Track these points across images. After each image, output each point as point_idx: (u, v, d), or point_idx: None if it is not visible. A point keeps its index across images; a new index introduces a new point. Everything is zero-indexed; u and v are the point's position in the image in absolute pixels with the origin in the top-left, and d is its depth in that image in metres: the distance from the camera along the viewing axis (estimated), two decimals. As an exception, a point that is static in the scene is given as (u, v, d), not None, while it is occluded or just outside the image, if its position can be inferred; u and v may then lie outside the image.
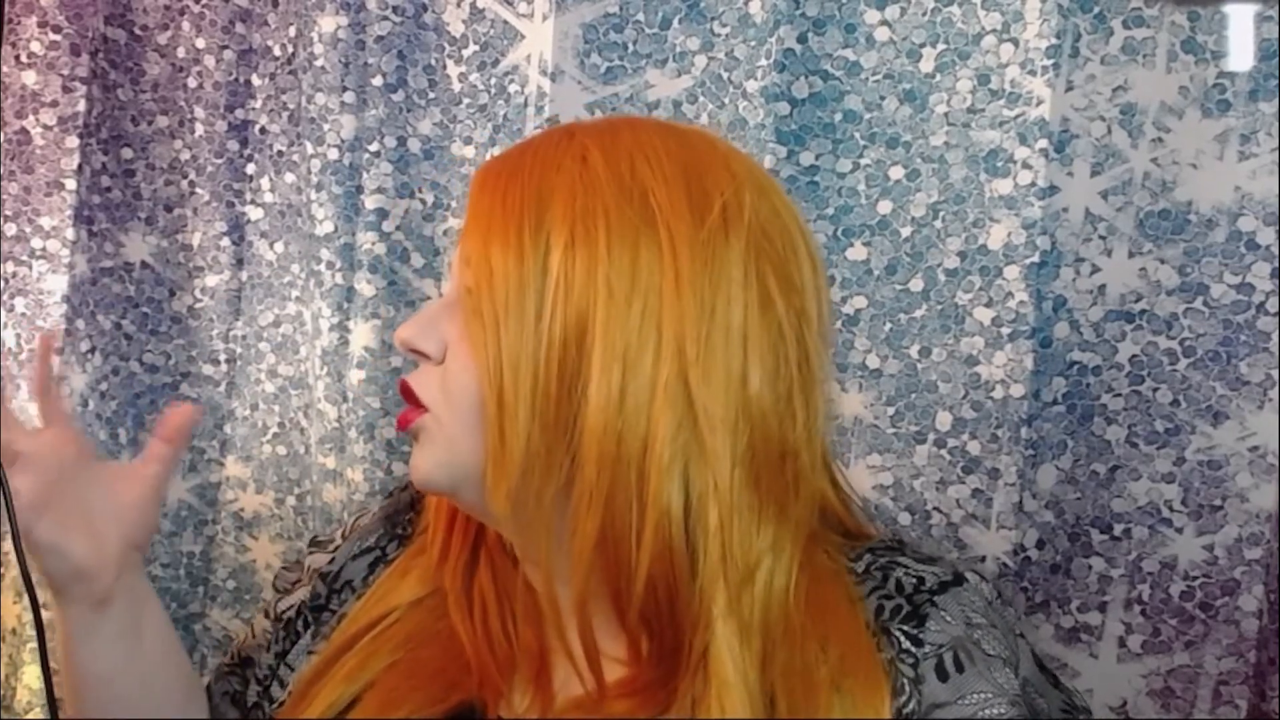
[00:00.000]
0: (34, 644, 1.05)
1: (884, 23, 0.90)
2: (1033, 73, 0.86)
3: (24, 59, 1.07)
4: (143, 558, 0.65)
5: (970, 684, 0.54)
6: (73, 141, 1.08)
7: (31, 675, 1.11)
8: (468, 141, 1.02)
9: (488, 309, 0.53)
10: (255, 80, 1.12)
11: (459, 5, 1.00)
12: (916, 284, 0.91)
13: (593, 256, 0.52)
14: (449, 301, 0.59)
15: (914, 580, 0.57)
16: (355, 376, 1.03)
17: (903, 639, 0.55)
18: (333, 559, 0.69)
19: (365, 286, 1.03)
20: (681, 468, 0.52)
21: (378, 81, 1.01)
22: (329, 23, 1.01)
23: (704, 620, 0.53)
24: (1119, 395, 0.89)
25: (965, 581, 0.58)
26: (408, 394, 0.59)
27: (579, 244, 0.52)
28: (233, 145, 1.13)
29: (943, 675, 0.54)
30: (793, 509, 0.55)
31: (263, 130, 1.12)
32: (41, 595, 0.57)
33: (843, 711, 0.52)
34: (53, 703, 0.57)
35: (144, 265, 1.15)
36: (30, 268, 1.09)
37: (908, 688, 0.54)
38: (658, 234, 0.53)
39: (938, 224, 0.90)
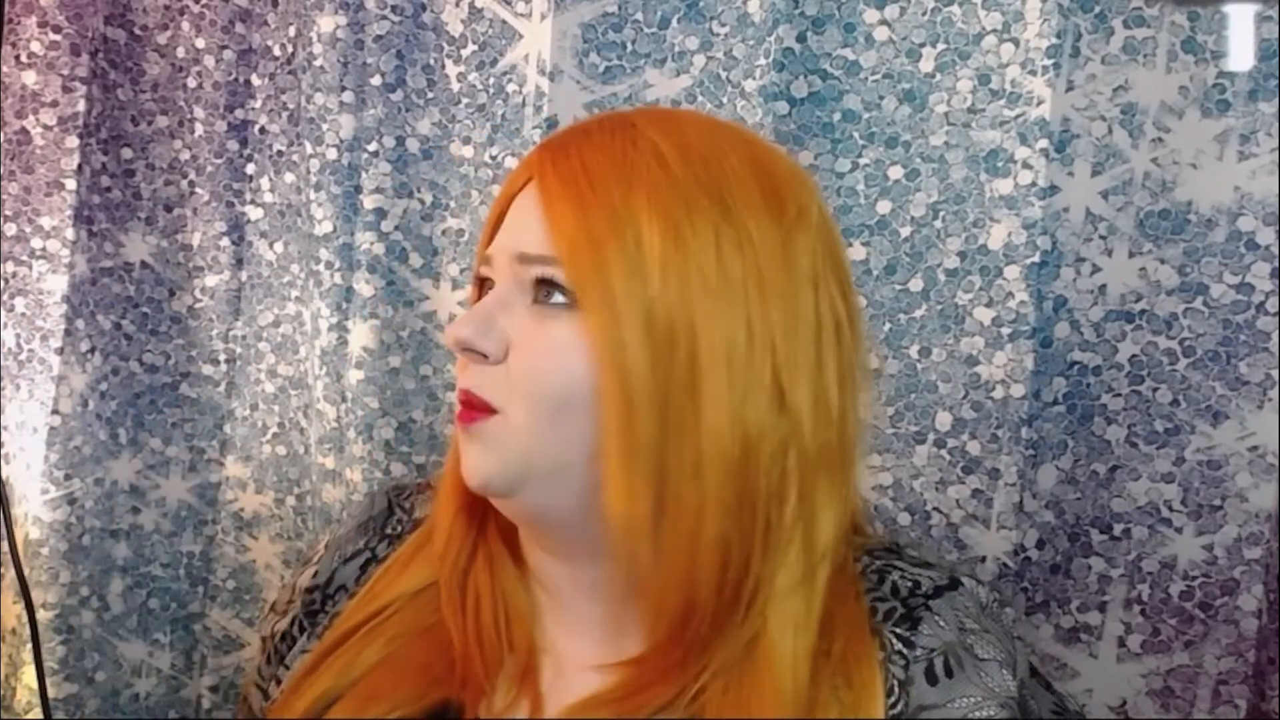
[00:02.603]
0: (32, 644, 1.05)
1: (883, 22, 0.90)
2: (1033, 72, 0.86)
3: (24, 59, 1.07)
4: None
5: (959, 688, 0.54)
6: (73, 141, 1.08)
7: (31, 675, 1.11)
8: (466, 141, 1.02)
9: (603, 296, 0.52)
10: (255, 80, 1.12)
11: (457, 5, 1.00)
12: (916, 284, 0.91)
13: (684, 250, 0.51)
14: (502, 298, 0.56)
15: (909, 584, 0.57)
16: (354, 376, 1.03)
17: (895, 641, 0.55)
18: (316, 572, 0.68)
19: (364, 286, 1.03)
20: (779, 467, 0.52)
21: (376, 81, 1.01)
22: (328, 22, 1.00)
23: (760, 609, 0.53)
24: (1119, 395, 0.89)
25: (960, 586, 0.58)
26: (471, 401, 0.56)
27: (671, 236, 0.51)
28: (232, 145, 1.13)
29: (932, 679, 0.54)
30: (846, 501, 0.56)
31: (262, 130, 1.12)
32: (39, 597, 0.56)
33: (838, 702, 0.53)
34: (46, 702, 0.57)
35: (144, 265, 1.15)
36: (30, 268, 1.09)
37: (896, 689, 0.54)
38: (737, 232, 0.52)
39: (938, 224, 0.90)
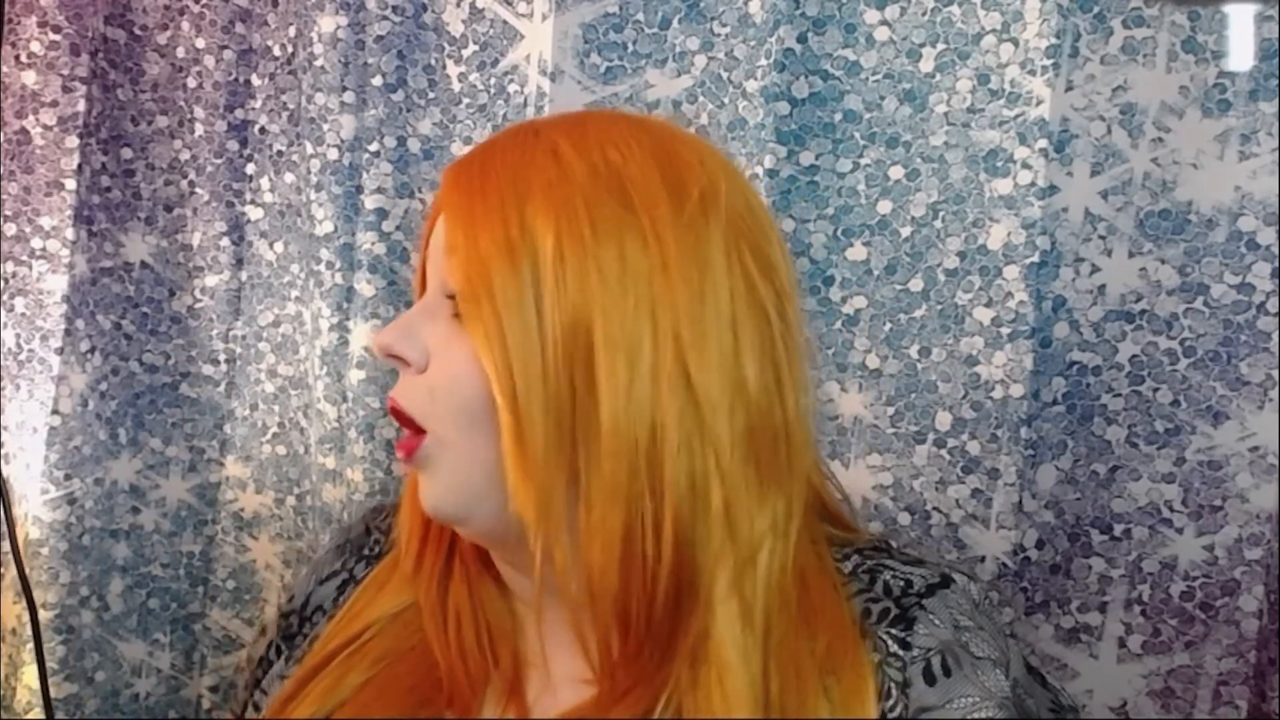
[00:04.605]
0: (34, 644, 1.05)
1: (884, 22, 0.90)
2: (1032, 72, 0.86)
3: (24, 59, 1.07)
4: None
5: (958, 688, 0.53)
6: (73, 141, 1.08)
7: (31, 675, 1.11)
8: (467, 141, 1.02)
9: (488, 309, 0.52)
10: (255, 80, 1.12)
11: (459, 5, 1.00)
12: (916, 284, 0.91)
13: (581, 248, 0.52)
14: (427, 307, 0.57)
15: (901, 583, 0.57)
16: (355, 376, 1.03)
17: (890, 642, 0.55)
18: (292, 597, 0.68)
19: (365, 286, 1.03)
20: (687, 454, 0.52)
21: (377, 81, 1.01)
22: (329, 23, 1.01)
23: (704, 603, 0.52)
24: (1119, 395, 0.89)
25: (953, 583, 0.57)
26: (400, 416, 0.57)
27: (566, 237, 0.52)
28: (233, 145, 1.13)
29: (930, 679, 0.54)
30: (788, 487, 0.55)
31: (263, 130, 1.12)
32: (39, 597, 0.56)
33: (829, 701, 0.52)
34: (48, 702, 0.57)
35: (144, 265, 1.15)
36: (30, 268, 1.09)
37: (894, 692, 0.53)
38: (640, 221, 0.52)
39: (938, 224, 0.90)
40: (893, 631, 0.55)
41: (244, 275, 1.15)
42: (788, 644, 0.53)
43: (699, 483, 0.52)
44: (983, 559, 0.90)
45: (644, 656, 0.54)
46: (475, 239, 0.53)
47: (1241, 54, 0.84)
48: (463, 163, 0.57)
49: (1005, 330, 0.88)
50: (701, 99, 0.94)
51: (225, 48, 1.12)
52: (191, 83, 1.13)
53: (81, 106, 1.08)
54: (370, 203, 1.02)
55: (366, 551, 0.68)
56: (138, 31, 1.12)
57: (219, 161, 1.13)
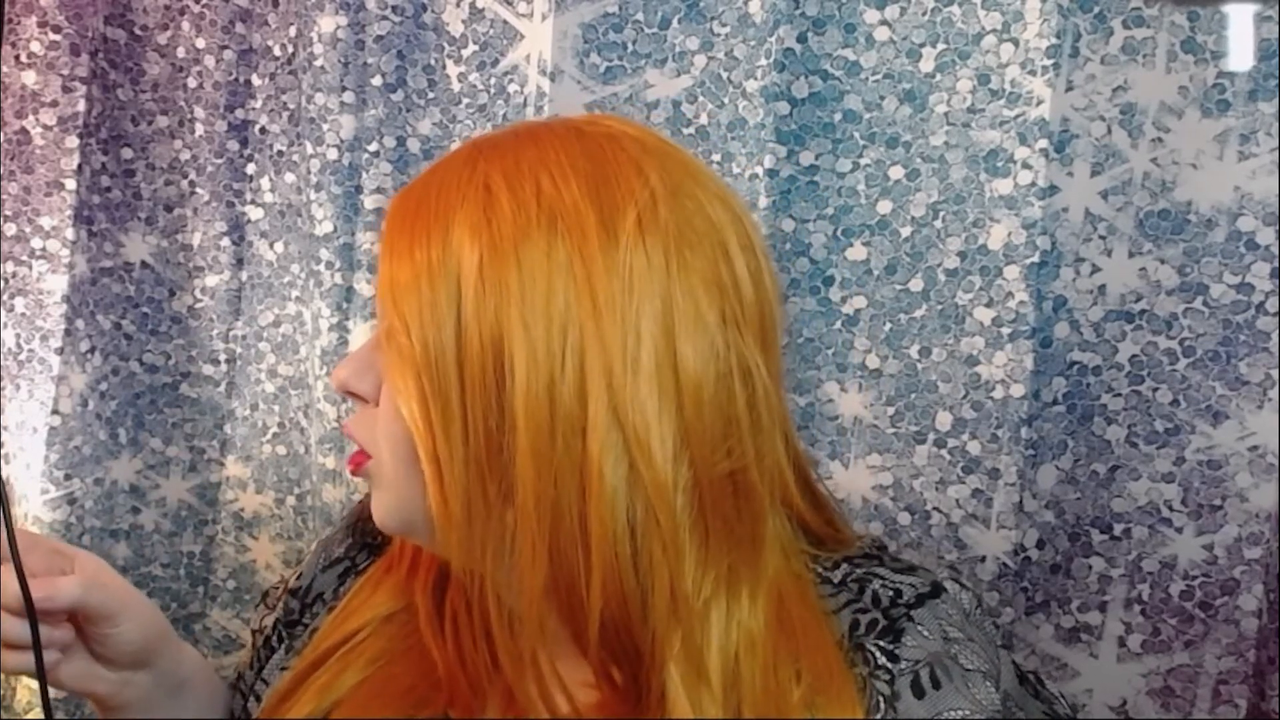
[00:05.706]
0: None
1: (884, 22, 0.90)
2: (1033, 73, 0.86)
3: (24, 59, 1.07)
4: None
5: (947, 700, 0.53)
6: (73, 141, 1.08)
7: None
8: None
9: (408, 359, 0.51)
10: (255, 80, 1.12)
11: (458, 5, 1.00)
12: (916, 284, 0.91)
13: (504, 294, 0.50)
14: (378, 339, 0.56)
15: (890, 593, 0.56)
16: (355, 376, 1.03)
17: (878, 655, 0.54)
18: (300, 574, 0.68)
19: (365, 286, 1.03)
20: (625, 505, 0.49)
21: (377, 81, 1.01)
22: (329, 23, 1.01)
23: (659, 661, 0.51)
24: (1119, 395, 0.89)
25: (943, 592, 0.56)
26: (356, 443, 0.57)
27: (488, 282, 0.50)
28: (233, 145, 1.13)
29: (919, 692, 0.53)
30: (744, 530, 0.53)
31: (263, 130, 1.12)
32: (35, 591, 0.56)
33: None
34: (48, 702, 0.57)
35: (144, 265, 1.15)
36: (30, 268, 1.09)
37: (882, 705, 0.52)
38: (570, 260, 0.50)
39: (938, 224, 0.90)
40: (880, 643, 0.54)
41: (244, 275, 1.15)
42: (766, 683, 0.52)
43: (639, 538, 0.50)
44: (983, 559, 0.90)
45: (624, 691, 0.54)
46: (399, 288, 0.52)
47: (1241, 54, 0.84)
48: (403, 194, 0.55)
49: (1005, 330, 0.88)
50: (701, 99, 0.94)
51: (225, 48, 1.12)
52: (191, 83, 1.13)
53: (81, 106, 1.08)
54: (370, 203, 1.02)
55: (369, 539, 0.68)
56: (138, 31, 1.12)
57: (219, 161, 1.13)
